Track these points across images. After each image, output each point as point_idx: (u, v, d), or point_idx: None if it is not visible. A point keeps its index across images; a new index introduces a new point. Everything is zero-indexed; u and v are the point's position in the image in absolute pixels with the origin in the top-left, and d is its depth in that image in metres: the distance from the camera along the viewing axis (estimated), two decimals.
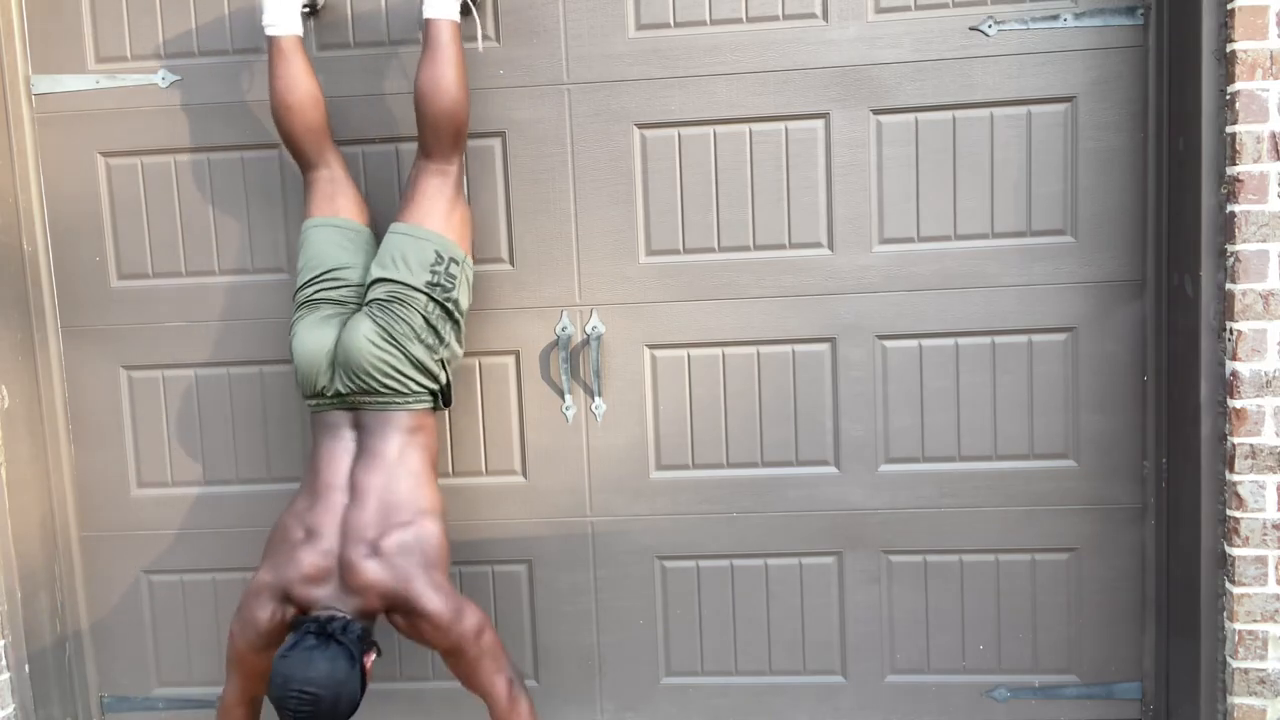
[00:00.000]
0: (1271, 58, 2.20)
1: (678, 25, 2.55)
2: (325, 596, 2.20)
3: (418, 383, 2.32)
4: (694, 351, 2.64)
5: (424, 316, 2.31)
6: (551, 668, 2.77)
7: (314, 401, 2.36)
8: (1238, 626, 2.32)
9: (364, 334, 2.28)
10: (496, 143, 2.61)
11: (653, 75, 2.56)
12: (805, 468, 2.66)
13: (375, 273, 2.35)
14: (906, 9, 2.50)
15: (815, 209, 2.57)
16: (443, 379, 2.38)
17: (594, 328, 2.63)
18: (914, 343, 2.60)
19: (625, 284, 2.63)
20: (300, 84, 2.39)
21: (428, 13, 2.34)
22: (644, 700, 2.76)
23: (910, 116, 2.54)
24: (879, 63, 2.52)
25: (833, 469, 2.65)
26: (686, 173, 2.59)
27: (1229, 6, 2.21)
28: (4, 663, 2.54)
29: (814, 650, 2.71)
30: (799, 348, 2.62)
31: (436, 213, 2.36)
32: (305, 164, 2.47)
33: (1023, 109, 2.51)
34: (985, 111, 2.52)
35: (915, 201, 2.56)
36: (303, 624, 2.15)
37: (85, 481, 2.80)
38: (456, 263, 2.36)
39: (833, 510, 2.66)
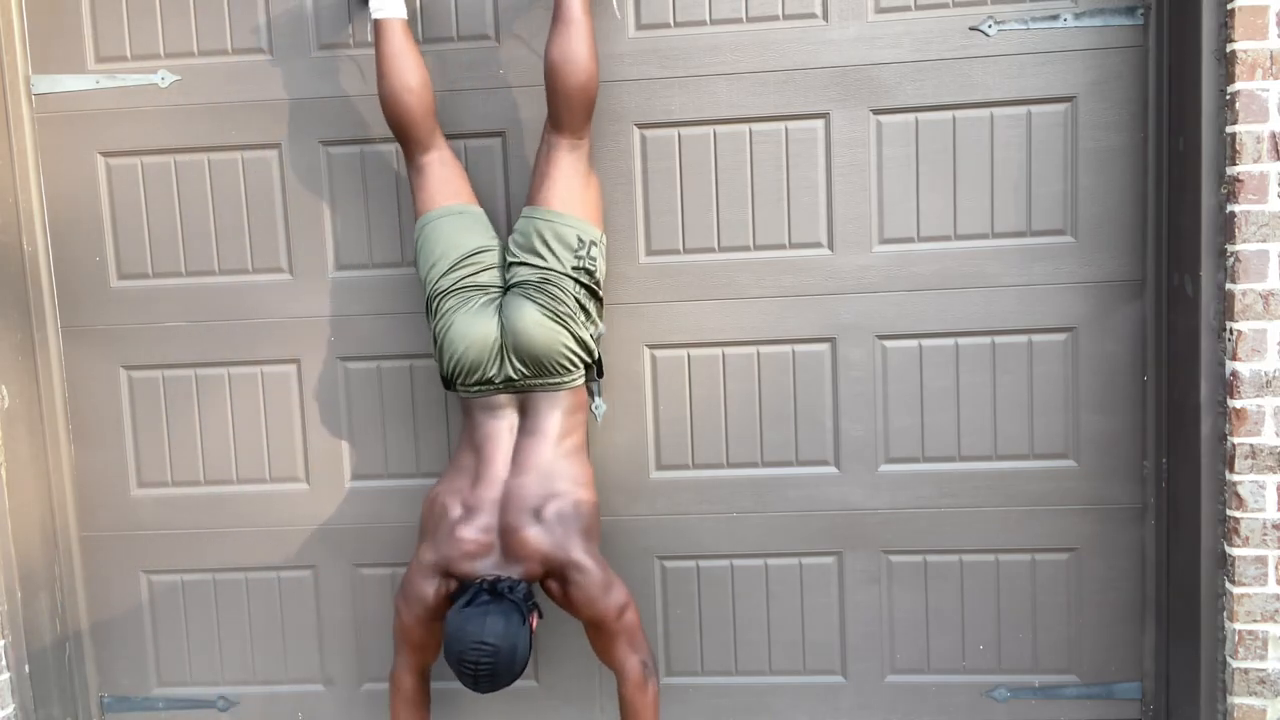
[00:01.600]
0: (1271, 58, 2.20)
1: (678, 25, 2.55)
2: (486, 568, 2.27)
3: (579, 360, 2.36)
4: (694, 351, 2.64)
5: (576, 298, 2.34)
6: (551, 668, 2.77)
7: (478, 387, 2.36)
8: (1238, 626, 2.32)
9: (533, 319, 2.30)
10: (497, 143, 2.61)
11: (653, 75, 2.56)
12: (805, 468, 2.66)
13: (519, 256, 2.36)
14: (906, 9, 2.50)
15: (815, 209, 2.57)
16: (595, 354, 2.42)
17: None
18: (914, 343, 2.60)
19: (625, 284, 2.63)
20: (415, 64, 2.37)
21: None
22: None
23: (910, 116, 2.54)
24: (879, 63, 2.52)
25: (833, 469, 2.65)
26: (686, 173, 2.59)
27: (1229, 6, 2.21)
28: (4, 663, 2.54)
29: (814, 650, 2.71)
30: (799, 348, 2.62)
31: (573, 192, 2.36)
32: (417, 149, 2.43)
33: (1023, 109, 2.51)
34: (985, 111, 2.52)
35: (915, 201, 2.56)
36: (472, 586, 2.22)
37: (85, 481, 2.80)
38: (595, 244, 2.38)
39: (833, 510, 2.66)
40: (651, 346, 2.65)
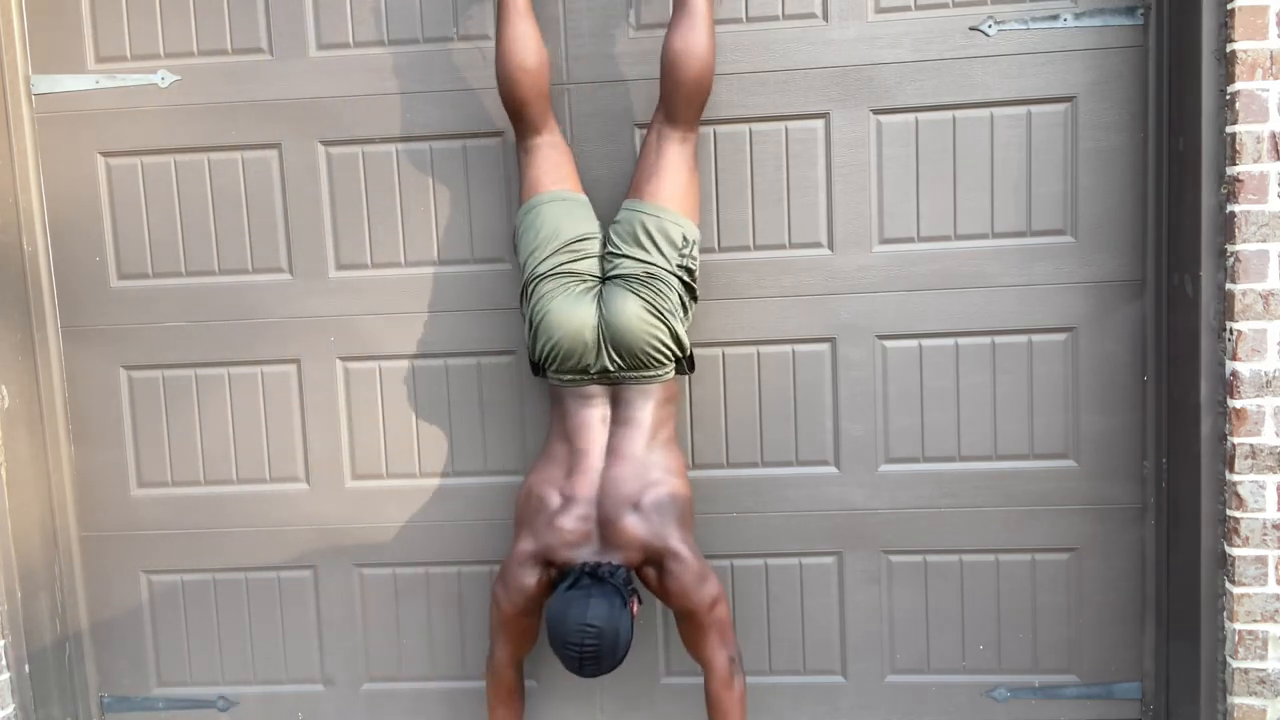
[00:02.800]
0: (1271, 58, 2.20)
1: None
2: (586, 556, 2.29)
3: (673, 355, 2.37)
4: (695, 351, 2.64)
5: (678, 294, 2.35)
6: (552, 667, 2.76)
7: (571, 376, 2.37)
8: (1238, 626, 2.32)
9: (635, 313, 2.30)
10: (497, 143, 2.61)
11: (653, 75, 2.56)
12: (805, 468, 2.66)
13: (622, 248, 2.35)
14: (906, 9, 2.50)
15: (815, 209, 2.57)
16: (689, 349, 2.42)
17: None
18: (914, 343, 2.60)
19: None
20: (536, 45, 2.35)
21: None
22: (644, 700, 2.76)
23: (910, 116, 2.54)
24: (879, 63, 2.52)
25: (833, 469, 2.65)
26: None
27: (1229, 6, 2.21)
28: (4, 663, 2.54)
29: (814, 650, 2.71)
30: (799, 348, 2.62)
31: (678, 187, 2.36)
32: (530, 130, 2.41)
33: (1023, 109, 2.51)
34: (985, 111, 2.52)
35: (915, 201, 2.56)
36: (572, 571, 2.25)
37: (85, 481, 2.80)
38: (696, 243, 2.39)
39: (833, 510, 2.66)
40: None
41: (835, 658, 2.71)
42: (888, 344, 2.61)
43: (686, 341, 2.39)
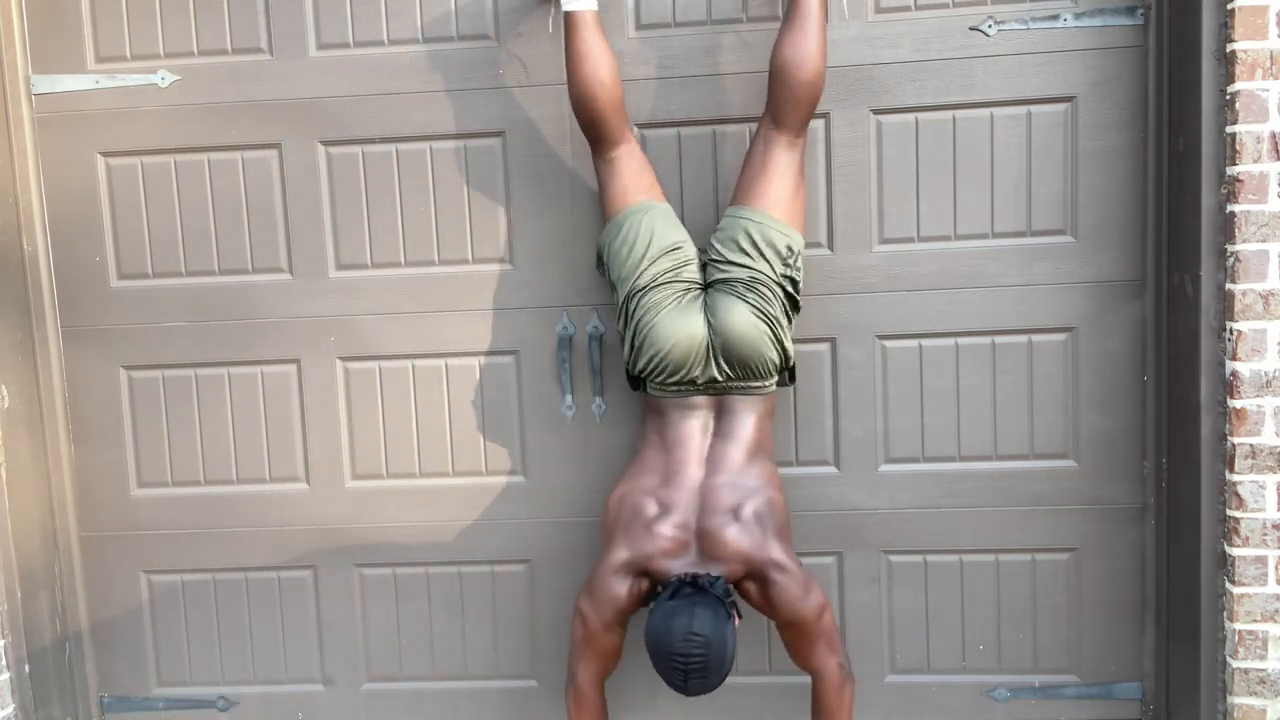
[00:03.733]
0: (1271, 58, 2.20)
1: (678, 25, 2.55)
2: (683, 567, 2.24)
3: (779, 365, 2.33)
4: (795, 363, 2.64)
5: (782, 304, 2.31)
6: (552, 668, 2.77)
7: (677, 387, 2.33)
8: (1238, 626, 2.32)
9: (746, 320, 2.26)
10: (497, 143, 2.62)
11: (652, 75, 2.56)
12: (805, 468, 2.66)
13: (724, 255, 2.31)
14: (906, 9, 2.50)
15: (815, 209, 2.57)
16: (793, 359, 2.40)
17: (594, 327, 2.63)
18: (914, 343, 2.60)
19: None
20: (608, 59, 2.31)
21: None
22: (645, 700, 2.76)
23: (910, 116, 2.54)
24: (879, 63, 2.52)
25: (833, 469, 2.65)
26: (687, 172, 2.59)
27: (1229, 6, 2.21)
28: (4, 663, 2.54)
29: None
30: (799, 347, 2.62)
31: (784, 194, 2.31)
32: (607, 143, 2.36)
33: (1023, 109, 2.51)
34: (985, 111, 2.52)
35: (915, 201, 2.56)
36: (670, 582, 2.19)
37: (85, 481, 2.80)
38: (800, 254, 2.34)
39: (833, 510, 2.66)
40: None
41: None
42: (888, 344, 2.61)
43: (792, 352, 2.36)
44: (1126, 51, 2.47)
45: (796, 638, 2.28)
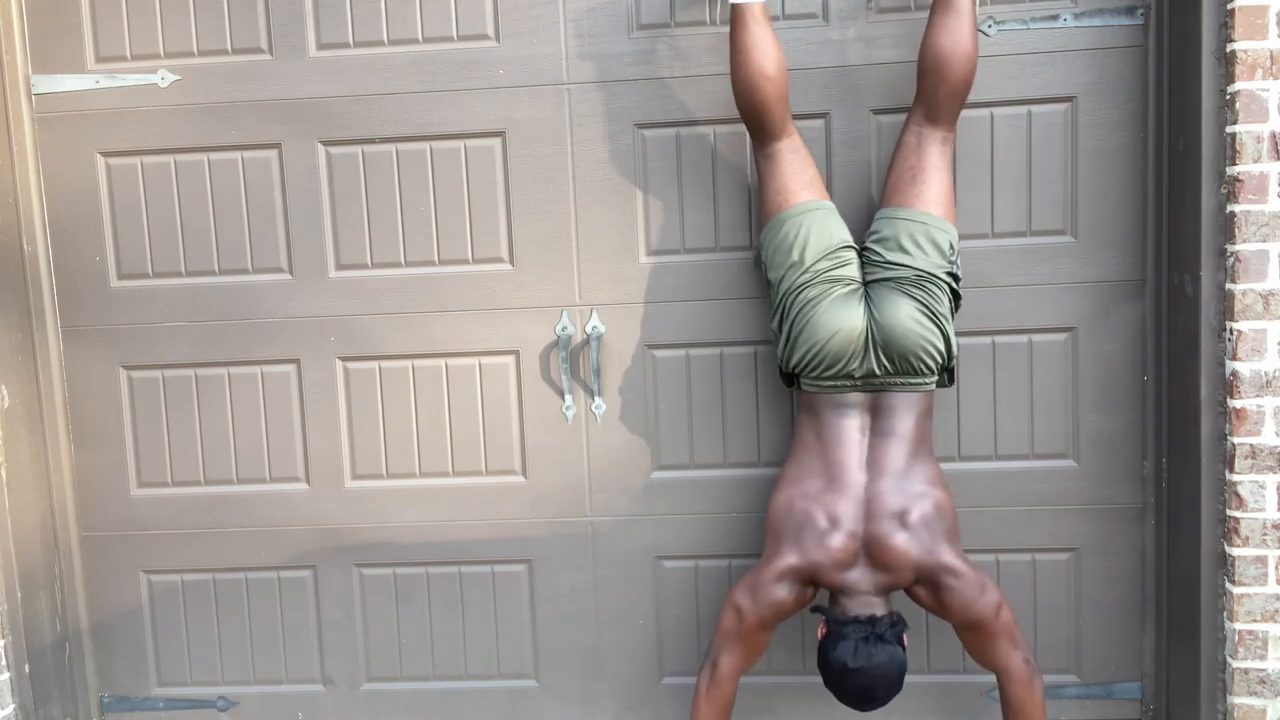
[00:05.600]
0: (1271, 58, 2.20)
1: (678, 25, 2.55)
2: (855, 578, 2.25)
3: (940, 362, 2.29)
4: (694, 351, 2.64)
5: (949, 299, 2.29)
6: (551, 668, 2.77)
7: (832, 382, 2.31)
8: (1238, 626, 2.32)
9: (910, 315, 2.23)
10: (496, 143, 2.62)
11: (652, 75, 2.56)
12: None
13: (885, 255, 2.29)
14: (906, 9, 2.50)
15: None
16: (955, 357, 2.37)
17: (594, 328, 2.63)
18: None
19: (625, 284, 2.63)
20: (775, 50, 2.27)
21: None
22: (644, 700, 2.76)
23: None
24: (879, 63, 2.52)
25: None
26: (686, 172, 2.59)
27: (1229, 6, 2.21)
28: (4, 663, 2.54)
29: (814, 650, 2.71)
30: None
31: (942, 191, 2.30)
32: (771, 135, 2.33)
33: (1023, 109, 2.51)
34: (985, 111, 2.51)
35: None
36: (851, 629, 2.21)
37: (85, 481, 2.80)
38: (957, 249, 2.33)
39: None
40: (651, 346, 2.65)
41: None
42: None
43: (956, 348, 2.33)
44: (1126, 51, 2.47)
45: (976, 637, 2.27)
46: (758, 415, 2.65)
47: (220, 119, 2.66)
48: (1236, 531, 2.31)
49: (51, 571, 2.74)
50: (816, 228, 2.30)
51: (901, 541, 2.22)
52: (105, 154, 2.70)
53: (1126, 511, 2.61)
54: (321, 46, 2.62)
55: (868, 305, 2.27)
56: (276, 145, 2.65)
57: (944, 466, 2.62)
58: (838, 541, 2.24)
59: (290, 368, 2.73)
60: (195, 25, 2.64)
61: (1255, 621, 2.32)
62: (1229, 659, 2.34)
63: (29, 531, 2.66)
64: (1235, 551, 2.31)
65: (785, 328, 2.33)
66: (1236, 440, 2.29)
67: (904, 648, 2.20)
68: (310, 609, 2.80)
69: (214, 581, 2.81)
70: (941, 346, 2.27)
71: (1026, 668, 2.28)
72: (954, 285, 2.30)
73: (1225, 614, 2.35)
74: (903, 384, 2.29)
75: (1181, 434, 2.45)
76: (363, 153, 2.65)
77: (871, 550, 2.24)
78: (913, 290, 2.26)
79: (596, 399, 2.65)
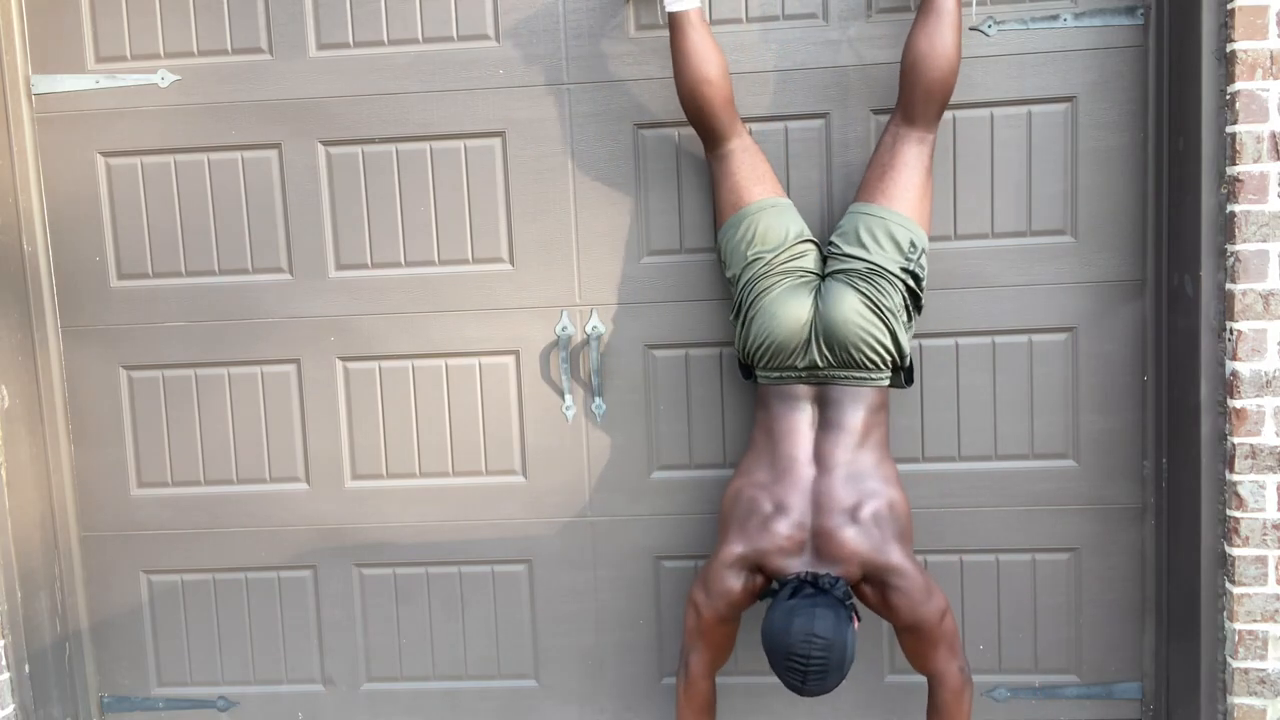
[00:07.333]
0: (1271, 58, 2.20)
1: None
2: (798, 566, 2.21)
3: (887, 359, 2.27)
4: (694, 351, 2.64)
5: (902, 296, 2.27)
6: (551, 668, 2.77)
7: (778, 373, 2.31)
8: (1238, 626, 2.32)
9: (852, 307, 2.23)
10: (496, 143, 2.61)
11: (653, 75, 2.56)
12: None
13: (843, 248, 2.30)
14: (906, 9, 2.50)
15: (816, 209, 2.57)
16: (908, 360, 2.34)
17: (594, 328, 2.63)
18: (914, 342, 2.60)
19: (625, 284, 2.63)
20: (715, 55, 2.29)
21: None
22: (644, 700, 2.76)
23: None
24: (879, 63, 2.52)
25: None
26: (686, 173, 2.59)
27: (1229, 6, 2.21)
28: (4, 663, 2.54)
29: None
30: None
31: (910, 189, 2.29)
32: (719, 138, 2.36)
33: (1023, 109, 2.51)
34: (985, 111, 2.52)
35: None
36: (790, 580, 2.16)
37: (85, 481, 2.80)
38: (925, 252, 2.31)
39: None
40: (651, 346, 2.65)
41: None
42: None
43: (908, 349, 2.31)
44: (1126, 51, 2.47)
45: (916, 642, 2.24)
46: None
47: (220, 119, 2.66)
48: (1236, 531, 2.31)
49: (51, 571, 2.74)
50: (772, 223, 2.33)
51: (850, 535, 2.19)
52: (105, 154, 2.70)
53: (1126, 511, 2.61)
54: (321, 46, 2.62)
55: (817, 296, 2.28)
56: (276, 145, 2.65)
57: (944, 467, 2.62)
58: (783, 528, 2.22)
59: (290, 368, 2.73)
60: (195, 25, 2.64)
61: (1255, 621, 2.32)
62: (1229, 659, 2.35)
63: (29, 531, 2.66)
64: (1235, 551, 2.31)
65: (740, 319, 2.35)
66: (1236, 440, 2.29)
67: (850, 619, 2.11)
68: (310, 609, 2.80)
69: (214, 581, 2.81)
70: (887, 342, 2.26)
71: (960, 676, 2.25)
72: (911, 284, 2.29)
73: (1225, 614, 2.35)
74: (846, 377, 2.28)
75: (1181, 434, 2.45)
76: (363, 153, 2.65)
77: (819, 543, 2.22)
78: (860, 283, 2.26)
79: (596, 399, 2.65)
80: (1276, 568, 2.30)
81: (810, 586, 2.14)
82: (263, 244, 2.70)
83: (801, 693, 2.11)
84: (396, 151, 2.64)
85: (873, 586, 2.23)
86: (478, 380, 2.69)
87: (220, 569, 2.81)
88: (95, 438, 2.78)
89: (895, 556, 2.20)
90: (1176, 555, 2.51)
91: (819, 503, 2.24)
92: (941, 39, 2.25)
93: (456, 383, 2.70)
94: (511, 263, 2.65)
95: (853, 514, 2.21)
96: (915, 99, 2.29)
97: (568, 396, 2.65)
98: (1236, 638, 2.33)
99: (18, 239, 2.67)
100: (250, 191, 2.68)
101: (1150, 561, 2.61)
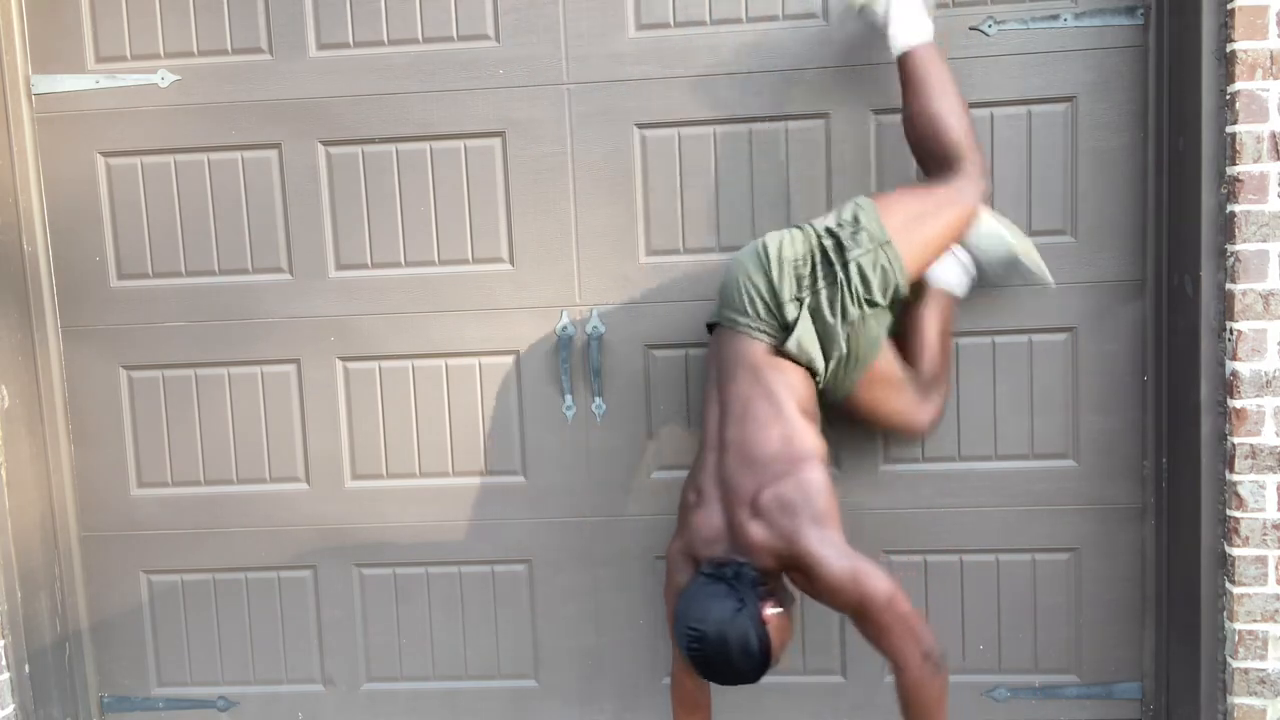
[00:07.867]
0: (1271, 58, 2.20)
1: (678, 25, 2.55)
2: (722, 553, 2.13)
3: (769, 309, 2.17)
4: (694, 351, 2.64)
5: (811, 255, 2.18)
6: (551, 668, 2.77)
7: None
8: (1238, 626, 2.32)
9: (755, 246, 2.22)
10: (496, 143, 2.61)
11: (653, 75, 2.56)
12: None
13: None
14: None
15: (815, 209, 2.57)
16: (795, 326, 2.16)
17: (594, 328, 2.63)
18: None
19: (625, 284, 2.63)
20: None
21: (899, 46, 2.30)
22: (644, 700, 2.76)
23: None
24: (878, 63, 2.51)
25: (833, 469, 2.65)
26: (686, 173, 2.59)
27: (1229, 6, 2.21)
28: (4, 663, 2.54)
29: (814, 650, 2.71)
30: None
31: (900, 205, 2.26)
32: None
33: (1023, 109, 2.51)
34: (985, 111, 2.51)
35: None
36: (701, 569, 2.11)
37: (85, 481, 2.80)
38: (871, 238, 2.17)
39: None
40: (651, 346, 2.65)
41: (835, 658, 2.71)
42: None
43: (791, 314, 2.15)
44: (1126, 51, 2.47)
45: (864, 628, 2.09)
46: None
47: (220, 119, 2.66)
48: (1236, 531, 2.31)
49: (51, 571, 2.74)
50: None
51: (754, 531, 2.06)
52: (105, 154, 2.70)
53: (1126, 511, 2.61)
54: (321, 46, 2.62)
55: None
56: (276, 145, 2.65)
57: (944, 466, 2.62)
58: (700, 518, 2.16)
59: (290, 368, 2.73)
60: (195, 25, 2.64)
61: (1255, 621, 2.32)
62: (1229, 659, 2.35)
63: (29, 531, 2.66)
64: (1235, 551, 2.31)
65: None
66: (1236, 440, 2.29)
67: (748, 607, 1.99)
68: (310, 609, 2.80)
69: (214, 581, 2.81)
70: (763, 286, 2.17)
71: (923, 665, 2.06)
72: (827, 243, 2.19)
73: (1225, 614, 2.35)
74: (732, 320, 2.21)
75: (1181, 434, 2.45)
76: (363, 153, 2.65)
77: (731, 531, 2.12)
78: (787, 231, 2.25)
79: (596, 399, 2.65)
80: (1276, 568, 2.30)
81: (704, 575, 2.07)
82: (263, 244, 2.70)
83: (705, 679, 2.08)
84: (396, 151, 2.64)
85: (798, 573, 2.09)
86: (478, 380, 2.69)
87: (220, 569, 2.81)
88: (95, 438, 2.78)
89: (808, 543, 2.03)
90: (1176, 555, 2.51)
91: (725, 491, 2.14)
92: (938, 110, 2.28)
93: (456, 383, 2.70)
94: (511, 263, 2.65)
95: (753, 505, 2.07)
96: (923, 164, 2.35)
97: (568, 396, 2.65)
98: (1236, 638, 2.33)
99: (18, 239, 2.67)
100: (250, 191, 2.68)
101: (1150, 561, 2.61)
